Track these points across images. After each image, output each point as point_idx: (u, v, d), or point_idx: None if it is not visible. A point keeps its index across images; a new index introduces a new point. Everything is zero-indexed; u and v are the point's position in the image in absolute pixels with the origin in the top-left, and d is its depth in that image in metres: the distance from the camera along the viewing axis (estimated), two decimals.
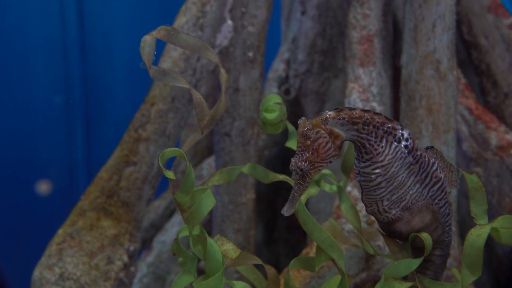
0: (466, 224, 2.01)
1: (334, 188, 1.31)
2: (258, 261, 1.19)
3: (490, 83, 2.17)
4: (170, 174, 1.11)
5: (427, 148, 1.14)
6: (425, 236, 1.14)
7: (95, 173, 1.87)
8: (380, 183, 1.09)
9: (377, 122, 1.06)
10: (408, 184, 1.10)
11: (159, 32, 1.08)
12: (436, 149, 1.14)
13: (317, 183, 1.30)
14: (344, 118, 1.04)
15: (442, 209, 1.16)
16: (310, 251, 1.68)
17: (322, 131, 1.04)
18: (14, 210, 3.19)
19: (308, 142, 1.03)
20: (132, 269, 1.77)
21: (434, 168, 1.13)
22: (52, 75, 3.18)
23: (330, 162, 1.06)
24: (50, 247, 1.71)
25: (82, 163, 3.27)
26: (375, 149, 1.07)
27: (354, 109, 1.06)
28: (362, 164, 1.09)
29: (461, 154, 2.04)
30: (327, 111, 1.05)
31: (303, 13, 2.34)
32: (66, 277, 1.65)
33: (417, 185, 1.11)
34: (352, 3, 1.95)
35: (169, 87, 1.88)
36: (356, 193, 1.77)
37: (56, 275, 1.65)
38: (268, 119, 1.28)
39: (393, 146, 1.07)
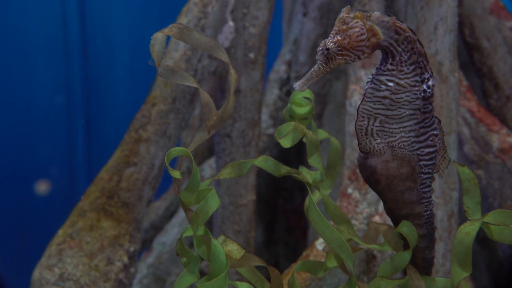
0: None
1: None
2: (262, 263, 1.19)
3: (492, 85, 2.16)
4: (176, 174, 1.11)
5: (437, 117, 1.14)
6: (405, 231, 1.12)
7: (95, 173, 1.86)
8: (384, 97, 1.08)
9: (417, 48, 1.07)
10: (405, 125, 1.10)
11: (171, 30, 1.07)
12: (442, 127, 1.14)
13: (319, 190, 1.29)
14: (387, 22, 1.05)
15: (423, 175, 1.14)
16: (311, 253, 1.68)
17: (362, 23, 1.05)
18: (14, 210, 3.19)
19: (344, 26, 1.05)
20: (132, 270, 1.77)
21: (435, 133, 1.12)
22: (53, 75, 3.18)
23: (359, 58, 1.06)
24: (50, 248, 1.70)
25: (83, 163, 3.27)
26: (401, 65, 1.07)
27: (402, 21, 1.07)
28: (381, 72, 1.08)
29: (462, 157, 2.04)
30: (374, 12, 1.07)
31: (304, 14, 2.33)
32: (66, 277, 1.65)
33: (411, 134, 1.10)
34: (354, 5, 1.95)
35: (170, 88, 1.88)
36: (357, 195, 1.77)
37: (56, 276, 1.65)
38: (297, 113, 1.24)
39: (415, 78, 1.08)
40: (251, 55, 1.98)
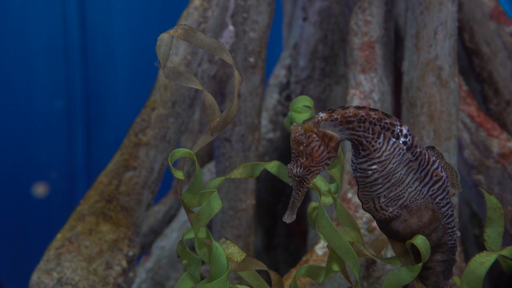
0: (467, 231, 2.00)
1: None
2: (263, 267, 1.18)
3: (492, 90, 2.17)
4: (179, 174, 1.10)
5: (428, 147, 1.11)
6: (420, 243, 1.11)
7: (95, 177, 1.86)
8: (376, 179, 1.07)
9: (373, 118, 1.04)
10: (407, 181, 1.08)
11: (176, 31, 1.06)
12: (437, 150, 1.12)
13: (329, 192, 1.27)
14: (336, 119, 1.02)
15: (443, 209, 1.12)
16: (310, 258, 1.67)
17: (314, 135, 1.02)
18: (13, 213, 3.18)
19: (301, 147, 1.02)
20: (131, 274, 1.76)
21: (435, 166, 1.10)
22: (53, 79, 3.18)
23: (327, 164, 1.04)
24: (49, 252, 1.70)
25: (82, 167, 3.26)
26: (372, 146, 1.05)
27: (347, 107, 1.04)
28: (359, 160, 1.06)
29: (462, 162, 2.03)
30: (320, 113, 1.04)
31: (304, 19, 2.33)
32: (64, 282, 1.64)
33: (416, 183, 1.09)
34: (353, 10, 1.95)
35: (169, 92, 1.88)
36: (356, 199, 1.76)
37: (54, 280, 1.64)
38: (296, 120, 1.22)
39: (391, 142, 1.05)
40: (251, 60, 1.98)
